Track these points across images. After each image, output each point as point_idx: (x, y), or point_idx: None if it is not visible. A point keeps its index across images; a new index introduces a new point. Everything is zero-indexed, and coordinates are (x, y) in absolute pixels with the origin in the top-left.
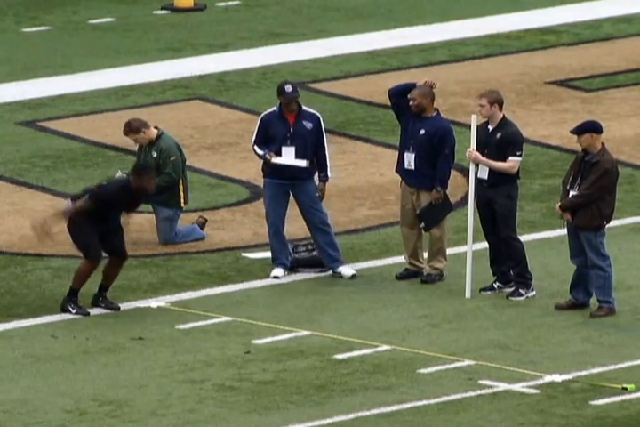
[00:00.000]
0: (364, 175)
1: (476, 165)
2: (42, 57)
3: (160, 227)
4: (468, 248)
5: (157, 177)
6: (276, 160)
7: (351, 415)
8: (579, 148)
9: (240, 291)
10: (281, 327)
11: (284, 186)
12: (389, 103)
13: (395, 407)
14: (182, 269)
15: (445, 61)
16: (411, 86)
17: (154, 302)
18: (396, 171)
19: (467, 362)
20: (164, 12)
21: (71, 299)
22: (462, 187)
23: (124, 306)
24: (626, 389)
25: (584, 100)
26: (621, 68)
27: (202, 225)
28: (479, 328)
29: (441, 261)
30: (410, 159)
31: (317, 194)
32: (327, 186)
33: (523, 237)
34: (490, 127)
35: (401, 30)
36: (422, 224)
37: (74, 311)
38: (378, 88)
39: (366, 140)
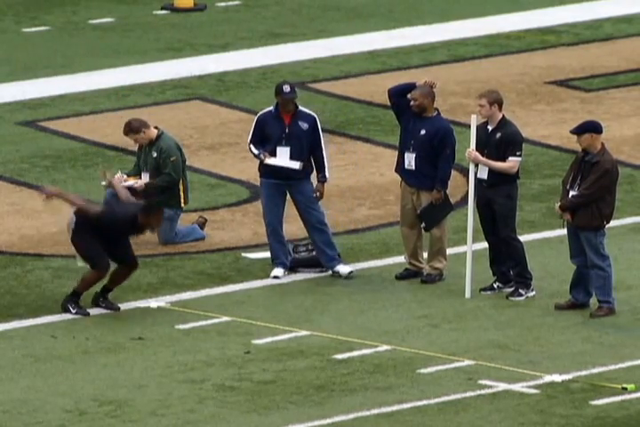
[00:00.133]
0: (364, 175)
1: (476, 165)
2: (42, 57)
3: (160, 227)
4: (468, 248)
5: (157, 177)
6: (269, 161)
7: (351, 415)
8: (579, 148)
9: (240, 291)
10: (281, 327)
11: (280, 186)
12: (389, 103)
13: (395, 407)
14: (182, 269)
15: (445, 61)
16: (410, 86)
17: (154, 302)
18: (396, 171)
19: (466, 362)
20: (163, 12)
21: (72, 299)
22: (462, 187)
23: (123, 306)
24: (626, 389)
25: (584, 100)
26: (621, 68)
27: (202, 225)
28: (479, 328)
29: (441, 261)
30: (410, 159)
31: (315, 194)
32: (327, 186)
33: (523, 237)
34: (489, 127)
35: (401, 30)
36: (423, 224)
37: (74, 311)
38: (378, 88)
39: (366, 140)
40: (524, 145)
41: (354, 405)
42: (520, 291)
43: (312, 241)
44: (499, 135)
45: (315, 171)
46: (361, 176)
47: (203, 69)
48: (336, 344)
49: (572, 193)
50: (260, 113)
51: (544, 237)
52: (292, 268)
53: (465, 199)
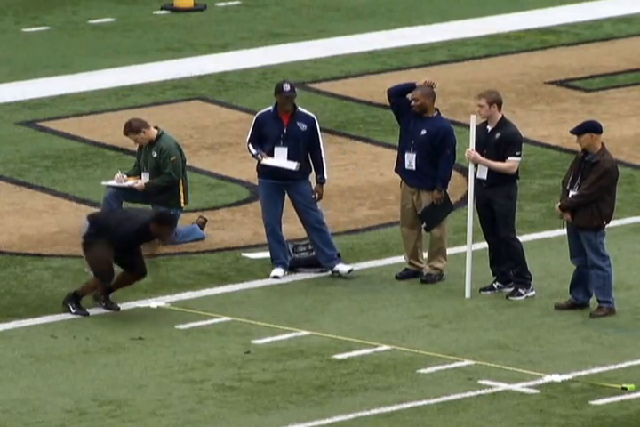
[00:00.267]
0: (364, 175)
1: (475, 165)
2: (42, 57)
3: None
4: (468, 248)
5: (157, 177)
6: (266, 161)
7: (351, 415)
8: (578, 148)
9: (240, 291)
10: (281, 327)
11: (278, 186)
12: (389, 103)
13: (395, 407)
14: (182, 269)
15: (445, 61)
16: (410, 86)
17: (154, 302)
18: (396, 171)
19: (466, 362)
20: (163, 12)
21: (73, 299)
22: (462, 187)
23: (123, 306)
24: (625, 389)
25: (584, 100)
26: (621, 68)
27: (202, 225)
28: (479, 328)
29: (441, 261)
30: (411, 159)
31: (314, 196)
32: (327, 186)
33: (523, 237)
34: (489, 127)
35: (401, 30)
36: (424, 224)
37: (74, 311)
38: (378, 88)
39: (366, 141)
40: (523, 145)
41: (354, 405)
42: (520, 291)
43: (311, 241)
44: (498, 135)
45: (313, 172)
46: (361, 176)
47: (203, 69)
48: (336, 344)
49: (571, 193)
50: (259, 113)
51: (544, 237)
52: (291, 268)
53: (465, 199)
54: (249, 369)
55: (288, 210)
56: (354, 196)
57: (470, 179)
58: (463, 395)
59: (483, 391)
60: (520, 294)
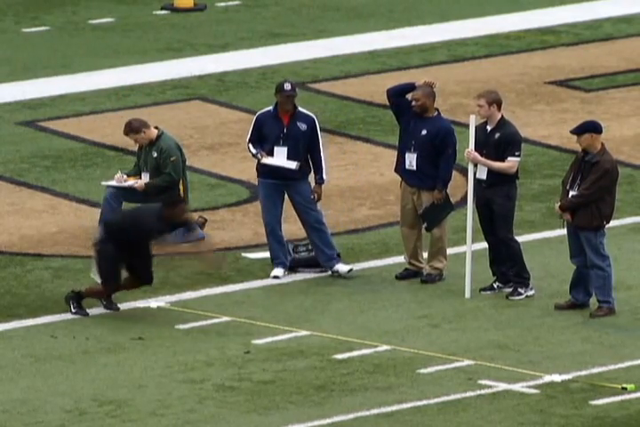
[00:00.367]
0: (364, 175)
1: (475, 166)
2: (42, 57)
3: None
4: (468, 248)
5: (157, 177)
6: (266, 160)
7: (351, 415)
8: (578, 148)
9: (240, 291)
10: (281, 327)
11: (278, 186)
12: (388, 103)
13: (395, 407)
14: (182, 269)
15: (445, 61)
16: (409, 86)
17: (154, 302)
18: (396, 171)
19: (466, 362)
20: (163, 12)
21: (76, 298)
22: (462, 187)
23: (123, 306)
24: (625, 389)
25: (584, 100)
26: (621, 69)
27: (202, 225)
28: (479, 328)
29: (441, 261)
30: (411, 159)
31: (312, 196)
32: (328, 186)
33: (523, 237)
34: (488, 127)
35: (401, 30)
36: (425, 224)
37: (74, 311)
38: (378, 88)
39: (366, 140)
40: (523, 145)
41: (354, 405)
42: (519, 290)
43: (310, 241)
44: (497, 135)
45: (312, 172)
46: (361, 176)
47: (203, 69)
48: (336, 344)
49: (571, 193)
50: (259, 112)
51: (544, 237)
52: (291, 268)
53: (465, 199)
54: (249, 369)
55: (288, 210)
56: (354, 196)
57: (470, 179)
58: (463, 395)
59: (483, 391)
60: (520, 294)
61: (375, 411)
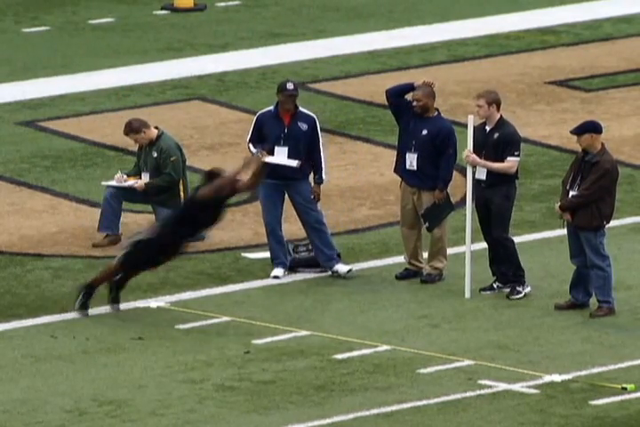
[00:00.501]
0: (364, 175)
1: (474, 166)
2: (42, 57)
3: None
4: (467, 248)
5: (157, 177)
6: (266, 159)
7: (351, 415)
8: (579, 148)
9: (240, 291)
10: (281, 327)
11: (278, 186)
12: (387, 104)
13: (394, 407)
14: (182, 269)
15: (445, 61)
16: (408, 87)
17: (154, 302)
18: (395, 172)
19: (466, 362)
20: (163, 12)
21: (88, 291)
22: (462, 187)
23: (124, 306)
24: (625, 389)
25: (584, 100)
26: (621, 68)
27: None
28: (479, 328)
29: (441, 261)
30: (412, 160)
31: (312, 196)
32: (327, 186)
33: (523, 237)
34: (487, 128)
35: (401, 30)
36: (426, 224)
37: (82, 300)
38: (378, 88)
39: (366, 140)
40: (524, 145)
41: (354, 405)
42: (517, 289)
43: (310, 241)
44: (496, 135)
45: (312, 172)
46: (361, 176)
47: (202, 69)
48: (336, 344)
49: (571, 193)
50: (260, 112)
51: (544, 237)
52: (291, 268)
53: (465, 199)
54: (249, 369)
55: (288, 210)
56: (354, 196)
57: (468, 180)
58: (463, 395)
59: (483, 391)
60: (519, 292)
61: (375, 411)
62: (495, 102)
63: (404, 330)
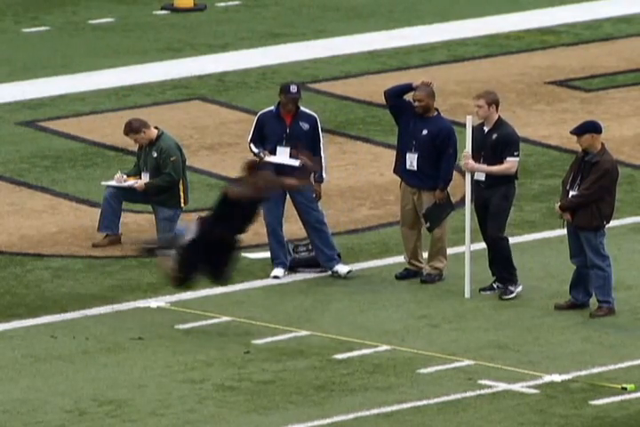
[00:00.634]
0: (364, 175)
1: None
2: (42, 57)
3: (160, 227)
4: (467, 248)
5: (157, 177)
6: (268, 158)
7: (351, 415)
8: (579, 148)
9: (240, 291)
10: (280, 327)
11: None
12: (386, 104)
13: (394, 407)
14: None
15: (445, 61)
16: (407, 87)
17: (153, 302)
18: (395, 172)
19: (466, 362)
20: (163, 12)
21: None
22: (462, 187)
23: (124, 306)
24: (625, 389)
25: (584, 100)
26: (621, 69)
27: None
28: (478, 328)
29: (441, 261)
30: (412, 160)
31: (313, 195)
32: (328, 186)
33: (523, 237)
34: (485, 128)
35: (401, 30)
36: (427, 224)
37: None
38: (378, 88)
39: (366, 140)
40: (524, 145)
41: (354, 405)
42: (510, 288)
43: (311, 241)
44: (495, 136)
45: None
46: (361, 176)
47: (202, 69)
48: (336, 344)
49: (571, 193)
50: (261, 112)
51: (544, 237)
52: (291, 268)
53: (464, 199)
54: (249, 369)
55: (288, 210)
56: (354, 196)
57: (467, 180)
58: (463, 395)
59: (483, 391)
60: (511, 292)
61: (375, 411)
62: (495, 103)
63: (403, 330)
